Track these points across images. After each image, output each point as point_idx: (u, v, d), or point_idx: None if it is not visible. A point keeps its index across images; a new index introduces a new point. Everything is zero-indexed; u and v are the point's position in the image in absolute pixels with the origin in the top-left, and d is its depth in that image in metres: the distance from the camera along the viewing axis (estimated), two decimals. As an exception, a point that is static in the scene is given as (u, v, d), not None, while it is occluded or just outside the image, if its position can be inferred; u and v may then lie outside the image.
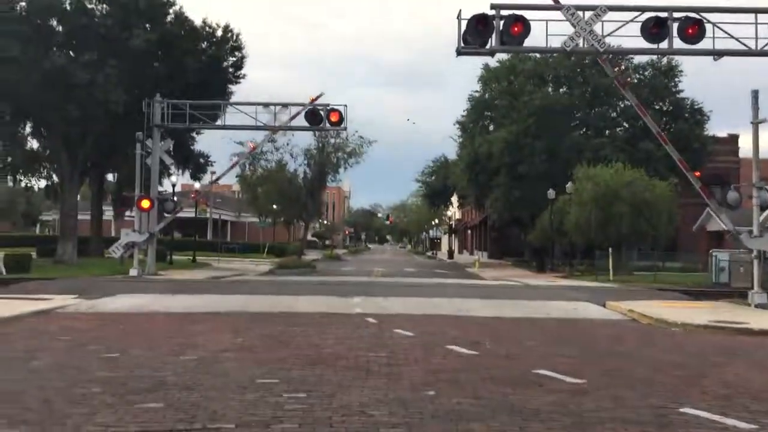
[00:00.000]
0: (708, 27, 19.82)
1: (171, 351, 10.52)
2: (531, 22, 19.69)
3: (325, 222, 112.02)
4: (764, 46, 20.33)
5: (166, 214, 32.58)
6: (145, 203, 30.31)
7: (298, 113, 31.11)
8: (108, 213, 50.63)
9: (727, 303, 21.43)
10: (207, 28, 39.50)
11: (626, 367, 9.86)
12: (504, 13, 19.75)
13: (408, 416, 6.74)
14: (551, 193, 41.17)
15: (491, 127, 50.58)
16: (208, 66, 38.51)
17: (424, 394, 7.72)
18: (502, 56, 48.13)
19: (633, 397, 7.82)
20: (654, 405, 7.44)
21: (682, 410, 7.21)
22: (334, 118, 30.85)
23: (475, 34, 19.76)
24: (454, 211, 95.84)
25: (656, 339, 13.49)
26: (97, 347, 10.84)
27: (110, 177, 49.97)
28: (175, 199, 36.25)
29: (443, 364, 9.77)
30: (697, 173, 26.33)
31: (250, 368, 9.14)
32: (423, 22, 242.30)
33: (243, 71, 41.50)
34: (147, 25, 35.93)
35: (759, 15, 20.27)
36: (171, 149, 35.88)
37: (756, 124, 21.14)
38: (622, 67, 42.25)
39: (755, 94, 21.11)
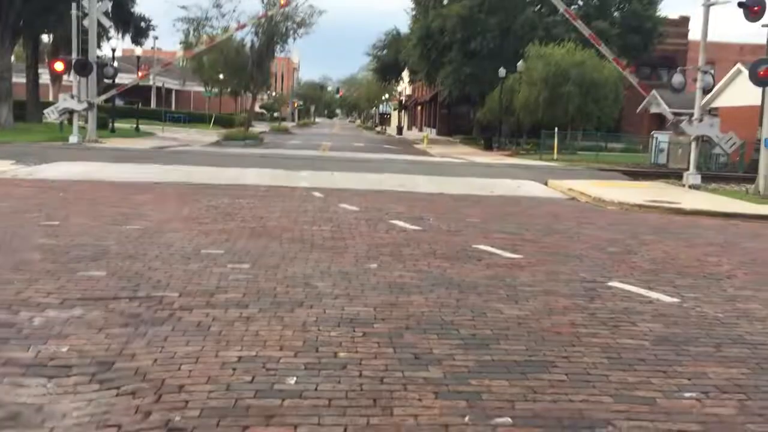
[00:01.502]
0: None
1: (114, 220, 10.44)
2: None
3: (274, 94, 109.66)
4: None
5: (105, 79, 31.36)
6: (59, 65, 29.02)
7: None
8: (45, 77, 48.40)
9: (664, 183, 22.20)
10: None
11: (561, 244, 10.25)
12: None
13: (350, 288, 6.93)
14: (502, 72, 40.94)
15: (445, 1, 49.23)
16: None
17: (366, 267, 7.92)
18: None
19: (566, 271, 8.18)
20: (585, 279, 7.81)
21: (610, 284, 7.60)
22: (282, -17, 29.50)
23: None
24: (404, 87, 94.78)
25: (592, 217, 13.98)
26: (37, 215, 10.67)
27: (45, 39, 47.41)
28: (115, 64, 34.80)
29: (386, 238, 9.97)
30: (633, 68, 26.52)
31: (194, 239, 9.17)
32: None
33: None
34: None
35: None
36: (109, 11, 34.02)
37: (707, 6, 21.09)
38: None
39: (710, -24, 20.93)
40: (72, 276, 6.90)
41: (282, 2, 41.20)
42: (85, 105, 29.38)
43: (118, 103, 42.08)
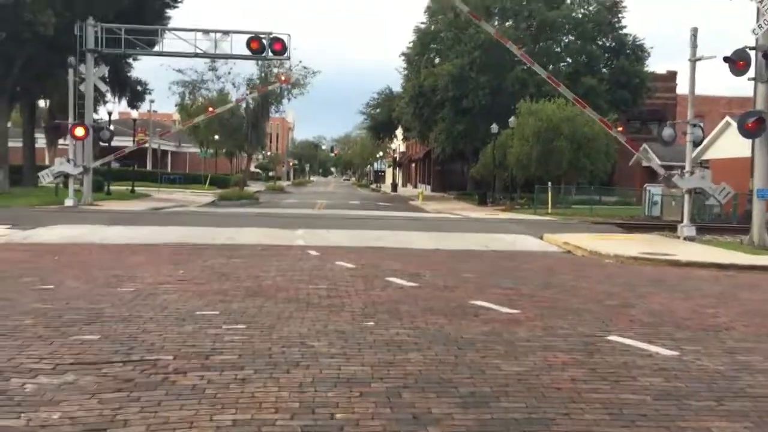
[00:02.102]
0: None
1: (108, 283, 10.38)
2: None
3: (269, 153, 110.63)
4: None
5: (102, 143, 31.64)
6: (80, 131, 29.33)
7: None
8: (41, 141, 48.81)
9: (658, 236, 22.25)
10: (143, -52, 37.62)
11: (559, 298, 10.21)
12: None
13: (347, 346, 6.86)
14: (494, 128, 41.50)
15: (437, 60, 50.25)
16: (144, -12, 36.85)
17: (363, 325, 7.85)
18: (449, -13, 47.53)
19: (564, 326, 8.12)
20: (584, 333, 7.75)
21: (609, 338, 7.53)
22: (277, 47, 30.14)
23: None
24: (398, 144, 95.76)
25: (589, 270, 13.96)
26: (31, 279, 10.61)
27: (42, 104, 47.98)
28: (112, 127, 35.17)
29: (383, 295, 9.92)
30: (621, 127, 27.02)
31: (189, 300, 9.11)
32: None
33: (182, -6, 39.91)
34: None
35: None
36: (106, 75, 34.53)
37: (693, 61, 21.54)
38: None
39: (694, 32, 21.43)
40: (65, 340, 6.82)
41: (282, 79, 42.07)
42: (80, 169, 29.56)
43: (114, 165, 42.30)
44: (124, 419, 4.77)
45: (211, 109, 41.44)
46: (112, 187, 39.38)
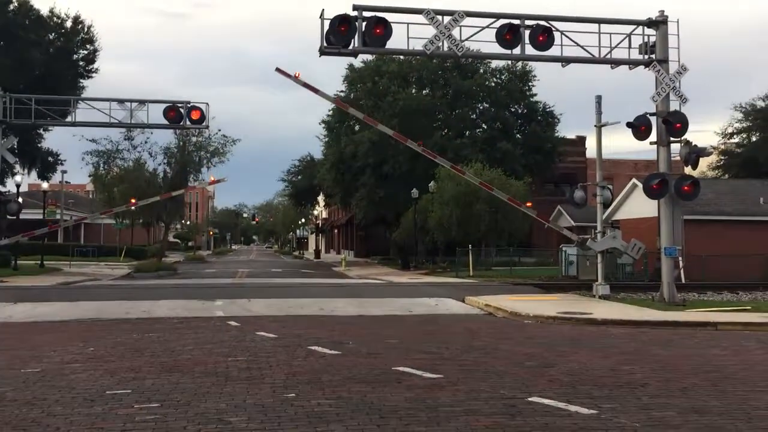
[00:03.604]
0: (557, 35, 20.94)
1: (10, 364, 9.78)
2: (393, 25, 20.00)
3: (188, 223, 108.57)
4: (606, 54, 21.78)
5: (9, 216, 30.34)
6: None
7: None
8: (-57, 215, 46.47)
9: (575, 295, 22.85)
10: (55, 19, 37.26)
11: (481, 361, 10.24)
12: (366, 14, 19.94)
13: (267, 421, 6.64)
14: (415, 193, 42.19)
15: (356, 127, 51.03)
16: (56, 59, 36.35)
17: (284, 397, 7.64)
18: (367, 57, 48.80)
19: (486, 389, 8.12)
20: (505, 396, 7.76)
21: (530, 399, 7.57)
22: (195, 116, 29.88)
23: (338, 34, 19.81)
24: (320, 211, 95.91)
25: (509, 331, 14.12)
26: (-75, 363, 9.89)
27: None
28: (20, 200, 33.83)
29: (305, 365, 9.72)
30: (529, 203, 28.20)
31: (99, 379, 8.67)
32: (288, 19, 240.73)
33: (96, 65, 39.61)
34: (-15, 13, 33.36)
35: (602, 25, 21.66)
36: (15, 146, 33.47)
37: (599, 127, 22.65)
38: None
39: (599, 100, 22.62)
40: (-41, 429, 6.34)
41: (212, 179, 42.18)
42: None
43: (22, 239, 40.56)
44: None
45: (133, 200, 40.75)
46: (19, 262, 37.59)
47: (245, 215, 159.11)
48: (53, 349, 11.15)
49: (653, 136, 21.10)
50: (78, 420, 6.66)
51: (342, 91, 52.06)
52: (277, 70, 21.84)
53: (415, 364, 9.63)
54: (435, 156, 26.09)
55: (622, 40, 21.62)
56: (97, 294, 22.96)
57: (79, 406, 7.24)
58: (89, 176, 53.69)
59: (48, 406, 7.24)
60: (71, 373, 9.05)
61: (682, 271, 27.20)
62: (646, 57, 21.48)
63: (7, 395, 7.74)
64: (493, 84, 51.15)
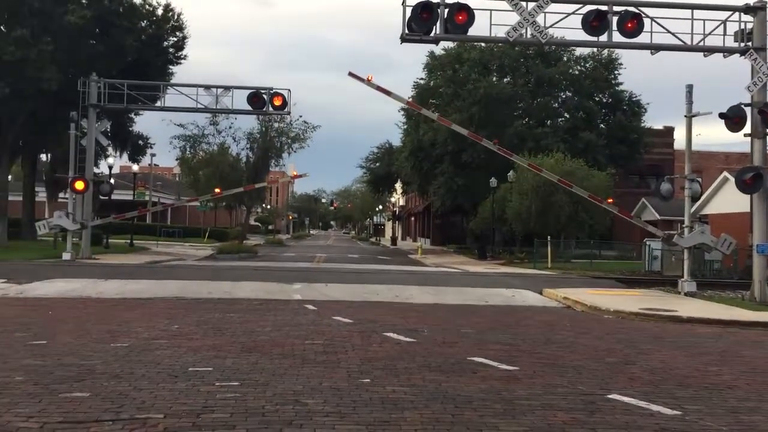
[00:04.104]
0: (646, 21, 20.24)
1: (101, 338, 10.24)
2: (475, 12, 19.80)
3: (268, 207, 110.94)
4: (699, 42, 20.90)
5: (102, 197, 31.74)
6: (80, 185, 29.45)
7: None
8: (42, 194, 49.07)
9: (659, 291, 22.11)
10: (147, 6, 38.50)
11: (558, 354, 10.05)
12: (448, 1, 19.79)
13: (342, 404, 6.71)
14: (493, 182, 41.72)
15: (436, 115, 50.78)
16: (147, 45, 37.55)
17: (359, 382, 7.71)
18: (448, 44, 48.42)
19: (564, 383, 7.97)
20: (584, 392, 7.59)
21: (609, 396, 7.38)
22: (277, 102, 30.49)
23: (420, 21, 19.74)
24: (398, 198, 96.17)
25: (589, 326, 13.80)
26: (24, 334, 10.48)
27: (44, 157, 48.38)
28: (112, 181, 35.34)
29: (380, 351, 9.77)
30: (610, 199, 27.43)
31: (183, 356, 8.97)
32: (369, 7, 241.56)
33: (184, 52, 40.70)
34: (83, 1, 34.73)
35: (695, 11, 20.82)
36: (108, 130, 34.93)
37: (689, 117, 21.76)
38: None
39: (689, 89, 21.70)
40: (54, 398, 6.68)
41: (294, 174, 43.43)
42: (77, 226, 29.54)
43: (114, 220, 42.35)
44: (110, 481, 4.63)
45: (218, 190, 42.17)
46: (110, 241, 39.34)
47: (323, 201, 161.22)
48: (140, 326, 11.62)
49: (747, 128, 20.13)
50: (162, 395, 6.91)
51: (422, 79, 51.91)
52: (350, 74, 22.18)
53: (490, 355, 9.54)
54: (510, 154, 25.84)
55: (717, 27, 20.72)
56: (181, 273, 23.77)
57: (163, 381, 7.51)
58: (176, 159, 55.62)
59: (135, 380, 7.55)
60: (157, 349, 9.40)
61: (774, 270, 25.88)
62: (742, 45, 20.50)
63: (97, 368, 8.11)
64: (576, 72, 49.95)
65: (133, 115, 42.20)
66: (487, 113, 45.21)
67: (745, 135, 20.30)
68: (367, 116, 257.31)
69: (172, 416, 6.15)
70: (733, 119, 19.91)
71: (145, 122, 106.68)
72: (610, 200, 26.66)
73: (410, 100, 52.90)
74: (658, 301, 18.07)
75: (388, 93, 22.76)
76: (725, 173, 34.30)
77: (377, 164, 76.01)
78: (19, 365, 8.16)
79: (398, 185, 77.95)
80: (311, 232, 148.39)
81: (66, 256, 28.77)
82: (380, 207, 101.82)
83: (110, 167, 42.11)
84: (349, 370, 8.34)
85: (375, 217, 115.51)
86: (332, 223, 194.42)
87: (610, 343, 11.38)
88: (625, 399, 7.27)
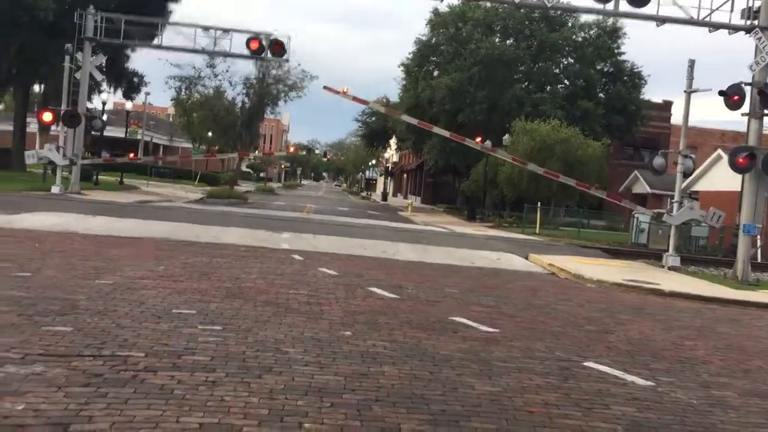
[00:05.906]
0: (654, -8, 19.99)
1: (86, 274, 10.27)
2: (482, -31, 19.47)
3: (261, 154, 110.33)
4: (705, 17, 20.69)
5: (93, 132, 31.45)
6: (47, 116, 29.11)
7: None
8: (33, 126, 48.57)
9: (643, 263, 22.31)
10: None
11: (539, 320, 10.18)
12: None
13: (322, 355, 6.80)
14: (488, 144, 41.56)
15: (435, 73, 50.35)
16: (147, -20, 36.80)
17: (340, 334, 7.79)
18: (453, 1, 47.80)
19: (541, 348, 8.09)
20: (560, 357, 7.72)
21: (585, 364, 7.51)
22: (276, 48, 30.05)
23: (426, -25, 19.40)
24: (391, 154, 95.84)
25: (571, 293, 13.95)
26: (9, 265, 10.48)
27: (37, 89, 47.73)
28: (105, 117, 34.98)
29: (363, 305, 9.86)
30: (597, 185, 27.49)
31: (167, 297, 9.02)
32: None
33: (184, -10, 39.91)
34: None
35: (704, -15, 20.57)
36: (103, 65, 34.41)
37: (689, 92, 21.67)
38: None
39: (691, 64, 21.56)
40: (37, 330, 6.72)
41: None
42: (66, 162, 29.31)
43: (104, 154, 42.06)
44: (89, 415, 4.69)
45: (215, 152, 41.70)
46: (100, 177, 39.13)
47: (317, 151, 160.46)
48: (126, 264, 11.64)
49: (745, 107, 20.09)
50: (145, 334, 6.96)
51: (424, 35, 51.28)
52: (325, 87, 22.76)
53: (472, 316, 9.65)
54: (495, 151, 25.92)
55: (724, 3, 20.50)
56: (170, 215, 23.75)
57: (146, 320, 7.56)
58: (171, 100, 54.95)
59: (118, 317, 7.60)
60: (141, 289, 9.44)
61: (759, 251, 26.16)
62: (748, 23, 20.32)
63: (80, 303, 8.14)
64: (580, 39, 49.46)
65: (129, 52, 41.58)
66: (487, 74, 44.84)
67: (743, 114, 20.28)
68: (367, 70, 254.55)
69: (153, 356, 6.21)
70: (731, 97, 19.84)
71: (141, 60, 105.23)
72: (597, 186, 26.73)
73: (411, 54, 52.42)
74: (642, 274, 18.26)
75: (365, 102, 23.54)
76: (719, 151, 34.34)
77: (373, 118, 75.46)
78: (3, 296, 8.18)
79: (393, 141, 77.60)
80: (303, 182, 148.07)
81: (55, 189, 28.65)
82: (373, 162, 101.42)
83: (104, 103, 41.67)
84: (332, 322, 8.42)
85: (367, 172, 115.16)
86: (324, 174, 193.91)
87: (590, 312, 11.52)
88: (601, 367, 7.39)
